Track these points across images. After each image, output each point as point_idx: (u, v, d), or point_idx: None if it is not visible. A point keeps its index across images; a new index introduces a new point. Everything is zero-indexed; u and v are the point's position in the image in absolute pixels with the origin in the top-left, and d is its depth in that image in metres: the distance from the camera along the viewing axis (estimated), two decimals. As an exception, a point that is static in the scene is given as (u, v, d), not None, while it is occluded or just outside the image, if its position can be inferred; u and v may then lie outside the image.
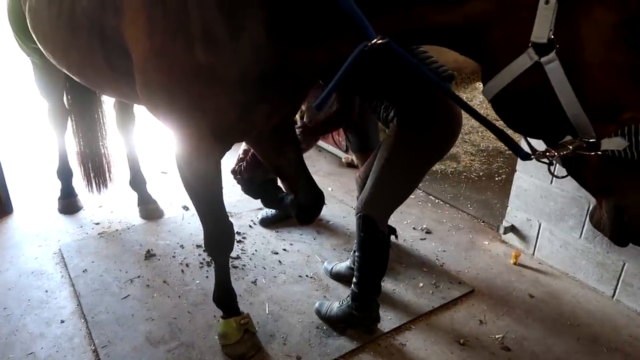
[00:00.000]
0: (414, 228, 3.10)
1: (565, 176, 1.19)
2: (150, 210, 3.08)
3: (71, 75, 2.06)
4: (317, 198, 2.01)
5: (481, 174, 3.92)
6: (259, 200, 2.68)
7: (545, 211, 2.72)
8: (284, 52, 1.36)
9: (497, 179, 3.84)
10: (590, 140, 1.02)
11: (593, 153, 1.03)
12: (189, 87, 1.41)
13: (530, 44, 1.00)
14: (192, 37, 1.35)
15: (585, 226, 2.54)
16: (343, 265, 2.51)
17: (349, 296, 2.14)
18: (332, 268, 2.54)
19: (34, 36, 2.14)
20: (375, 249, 1.99)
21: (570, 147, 1.05)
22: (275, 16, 1.31)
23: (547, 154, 1.10)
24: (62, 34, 1.81)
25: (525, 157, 1.18)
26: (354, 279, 2.09)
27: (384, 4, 1.18)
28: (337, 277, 2.51)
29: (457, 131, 1.88)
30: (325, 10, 1.25)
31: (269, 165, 2.05)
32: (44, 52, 2.13)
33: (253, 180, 2.59)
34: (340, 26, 1.26)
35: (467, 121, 5.08)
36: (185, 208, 3.20)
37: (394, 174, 1.86)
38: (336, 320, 2.15)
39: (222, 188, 1.75)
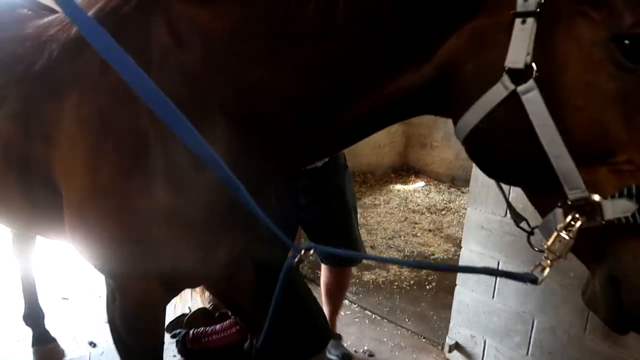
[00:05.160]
0: (355, 351, 2.87)
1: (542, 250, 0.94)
2: (47, 351, 2.56)
3: None
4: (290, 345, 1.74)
5: (412, 282, 3.85)
6: None
7: (489, 327, 2.65)
8: (255, 176, 1.19)
9: (428, 287, 3.79)
10: (587, 204, 0.82)
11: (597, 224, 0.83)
12: (142, 232, 1.17)
13: (505, 71, 0.85)
14: (151, 173, 1.13)
15: (532, 343, 2.49)
16: None
17: None
18: None
19: None
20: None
21: (571, 230, 0.85)
22: (244, 138, 1.15)
23: (549, 250, 0.88)
24: None
25: (534, 281, 0.95)
26: None
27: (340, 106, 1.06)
28: None
29: None
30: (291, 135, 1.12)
31: (218, 299, 1.77)
32: None
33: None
34: (308, 147, 1.16)
35: (389, 225, 5.13)
36: (92, 345, 2.71)
37: None
38: None
39: (163, 345, 1.44)
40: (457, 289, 2.79)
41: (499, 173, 1.01)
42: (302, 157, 1.22)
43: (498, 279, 2.60)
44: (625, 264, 0.84)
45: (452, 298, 2.82)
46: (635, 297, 0.84)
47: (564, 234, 0.86)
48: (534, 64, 0.83)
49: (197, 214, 1.18)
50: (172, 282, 1.30)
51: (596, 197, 0.82)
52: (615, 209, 0.81)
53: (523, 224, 1.07)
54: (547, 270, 0.92)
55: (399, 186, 6.63)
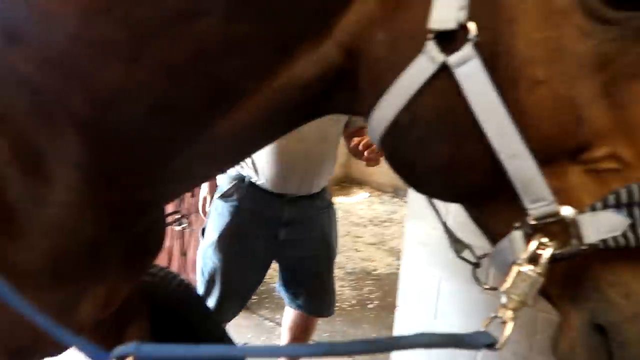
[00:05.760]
0: (290, 386, 2.59)
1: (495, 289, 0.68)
2: None
3: None
4: None
5: (354, 302, 3.64)
6: None
7: (432, 350, 2.45)
8: (119, 208, 0.90)
9: (369, 306, 3.58)
10: (557, 222, 0.57)
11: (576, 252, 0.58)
12: None
13: (430, 37, 0.59)
14: None
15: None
16: None
17: None
18: None
19: None
20: None
21: (538, 263, 0.59)
22: (102, 158, 0.85)
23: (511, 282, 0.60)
24: None
25: (491, 346, 0.64)
26: None
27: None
28: None
29: None
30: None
31: None
32: None
33: None
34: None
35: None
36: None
37: None
38: None
39: None
40: (397, 310, 2.58)
41: (430, 186, 0.73)
42: (180, 178, 0.93)
43: (438, 297, 2.42)
44: (615, 305, 0.58)
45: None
46: (631, 352, 0.58)
47: (527, 270, 0.59)
48: (470, 23, 0.57)
49: (37, 263, 0.86)
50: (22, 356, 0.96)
51: (570, 211, 0.57)
52: (599, 226, 0.56)
53: (467, 253, 0.82)
54: (508, 327, 0.61)
55: (341, 199, 6.45)
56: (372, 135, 0.72)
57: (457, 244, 0.83)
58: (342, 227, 5.30)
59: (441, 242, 2.35)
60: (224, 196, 2.24)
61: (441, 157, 0.65)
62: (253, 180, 2.18)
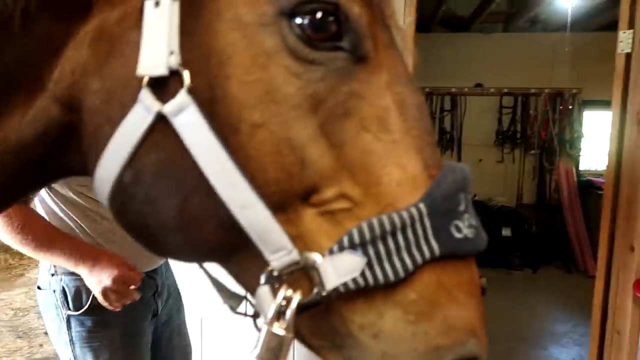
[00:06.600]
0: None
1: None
2: None
3: None
4: None
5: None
6: None
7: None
8: None
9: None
10: (300, 270, 0.54)
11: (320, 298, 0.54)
12: None
13: (144, 84, 0.55)
14: None
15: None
16: None
17: None
18: None
19: None
20: None
21: (284, 319, 0.55)
22: None
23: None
24: None
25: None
26: None
27: None
28: None
29: None
30: None
31: None
32: None
33: None
34: None
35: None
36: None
37: None
38: None
39: None
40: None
41: (169, 248, 0.64)
42: None
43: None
44: (366, 348, 0.55)
45: None
46: None
47: (275, 327, 0.54)
48: (182, 68, 0.54)
49: None
50: None
51: (309, 258, 0.54)
52: (338, 270, 0.53)
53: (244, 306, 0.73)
54: None
55: None
56: (100, 199, 0.64)
57: (231, 297, 0.71)
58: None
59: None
60: None
61: (171, 216, 0.58)
62: None
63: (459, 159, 7.07)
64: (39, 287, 1.79)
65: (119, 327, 1.74)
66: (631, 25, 2.43)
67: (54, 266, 1.70)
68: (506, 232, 6.30)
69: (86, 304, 1.68)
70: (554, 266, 6.55)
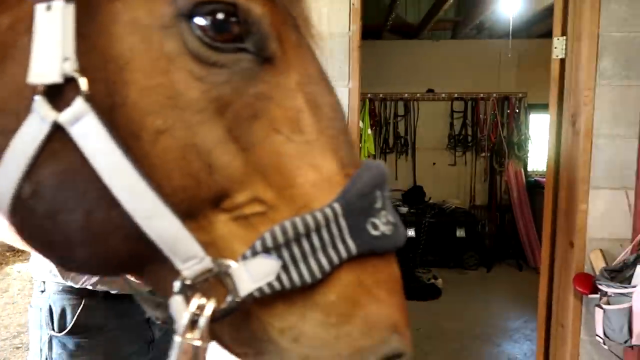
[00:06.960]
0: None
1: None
2: None
3: None
4: None
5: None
6: None
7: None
8: None
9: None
10: (213, 277, 0.53)
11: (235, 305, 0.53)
12: None
13: (38, 92, 0.52)
14: None
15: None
16: None
17: None
18: None
19: None
20: None
21: (197, 328, 0.53)
22: None
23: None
24: None
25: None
26: None
27: None
28: None
29: None
30: None
31: None
32: None
33: None
34: None
35: (12, 319, 4.71)
36: None
37: None
38: None
39: None
40: None
41: (77, 263, 0.62)
42: None
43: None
44: (287, 352, 0.55)
45: None
46: None
47: (188, 339, 0.53)
48: (78, 74, 0.51)
49: None
50: None
51: (222, 265, 0.53)
52: (253, 275, 0.52)
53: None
54: None
55: (19, 266, 5.69)
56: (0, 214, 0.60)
57: (157, 307, 0.66)
58: (25, 300, 4.73)
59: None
60: None
61: (75, 230, 0.56)
62: None
63: (414, 162, 7.24)
64: (30, 305, 1.72)
65: (102, 352, 1.66)
66: (564, 32, 2.56)
67: (44, 282, 1.64)
68: (460, 233, 6.47)
69: (70, 323, 1.61)
70: (507, 264, 6.78)
